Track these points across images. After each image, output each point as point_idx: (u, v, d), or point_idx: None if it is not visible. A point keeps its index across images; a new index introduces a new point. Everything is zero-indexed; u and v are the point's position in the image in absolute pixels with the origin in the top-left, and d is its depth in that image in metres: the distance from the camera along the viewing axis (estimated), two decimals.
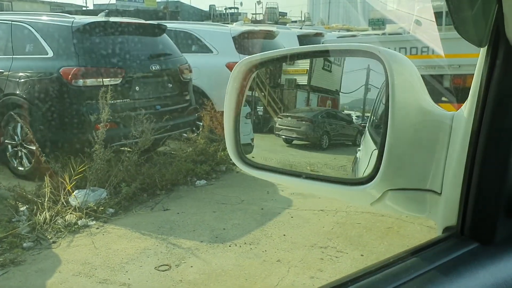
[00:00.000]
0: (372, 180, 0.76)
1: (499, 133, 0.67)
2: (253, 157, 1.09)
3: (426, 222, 4.35)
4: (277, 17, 53.29)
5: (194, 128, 7.37)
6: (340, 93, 1.04)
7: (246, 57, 1.04)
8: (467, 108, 0.72)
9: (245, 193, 5.57)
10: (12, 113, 5.86)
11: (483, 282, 0.62)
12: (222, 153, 6.70)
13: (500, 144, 0.67)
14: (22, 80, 5.93)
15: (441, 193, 0.76)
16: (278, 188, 5.65)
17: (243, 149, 1.07)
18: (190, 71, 7.03)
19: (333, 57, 1.00)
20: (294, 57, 1.09)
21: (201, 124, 7.28)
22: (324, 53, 1.02)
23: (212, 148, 6.76)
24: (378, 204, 0.80)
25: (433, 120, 0.77)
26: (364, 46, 0.86)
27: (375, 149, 0.90)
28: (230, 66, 7.80)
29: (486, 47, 0.68)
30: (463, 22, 0.68)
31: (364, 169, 0.92)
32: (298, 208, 5.02)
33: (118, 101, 5.60)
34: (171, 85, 6.66)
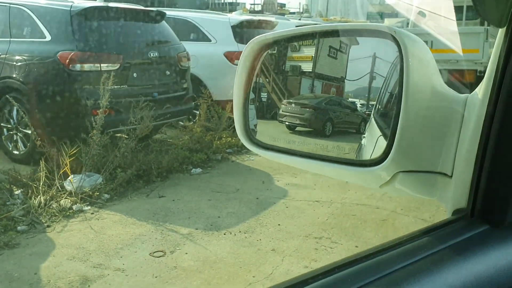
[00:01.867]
0: (382, 162, 0.75)
1: None
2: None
3: (421, 215, 4.37)
4: (276, 8, 53.06)
5: (190, 117, 7.36)
6: (345, 81, 1.04)
7: (258, 36, 1.03)
8: (482, 90, 0.72)
9: (241, 182, 5.58)
10: (8, 96, 5.83)
11: (496, 262, 0.63)
12: (218, 142, 6.71)
13: None
14: (19, 63, 5.89)
15: (452, 176, 0.76)
16: (274, 178, 5.66)
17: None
18: (188, 59, 7.00)
19: (346, 36, 0.99)
20: (306, 36, 1.07)
21: (198, 112, 7.27)
22: (337, 33, 1.01)
23: (208, 137, 6.76)
24: (387, 186, 0.80)
25: (446, 102, 0.77)
26: (379, 26, 0.86)
27: (380, 135, 0.89)
28: (228, 55, 7.77)
29: (506, 27, 0.68)
30: (484, 1, 0.68)
31: (370, 155, 0.92)
32: (293, 198, 5.03)
33: (115, 87, 5.57)
34: (169, 73, 6.64)
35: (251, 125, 1.12)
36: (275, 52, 1.17)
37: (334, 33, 1.02)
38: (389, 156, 0.74)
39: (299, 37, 1.08)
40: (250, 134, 1.04)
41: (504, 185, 0.69)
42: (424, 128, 0.76)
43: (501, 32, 0.69)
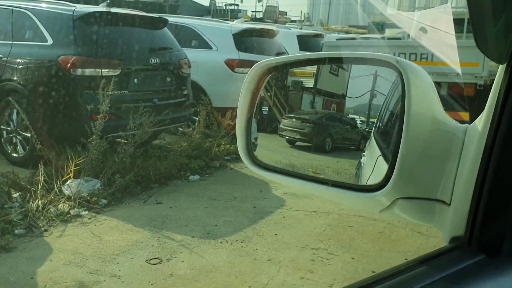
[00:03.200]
0: (382, 188, 0.77)
1: None
2: (255, 155, 1.10)
3: (418, 228, 4.38)
4: (277, 16, 53.26)
5: (190, 123, 7.37)
6: (345, 97, 1.06)
7: (262, 60, 1.05)
8: (482, 122, 0.74)
9: (238, 190, 5.59)
10: (9, 99, 5.84)
11: None
12: (217, 149, 6.72)
13: None
14: (20, 66, 5.90)
15: (450, 204, 0.77)
16: (271, 187, 5.66)
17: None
18: (189, 66, 7.02)
19: (348, 64, 1.02)
20: (308, 62, 1.10)
21: (197, 119, 7.29)
22: (339, 60, 1.04)
23: (207, 144, 6.77)
24: (387, 212, 0.81)
25: (446, 132, 0.78)
26: (381, 56, 0.87)
27: (380, 155, 0.91)
28: (229, 63, 7.81)
29: (506, 64, 0.70)
30: (485, 38, 0.69)
31: (369, 175, 0.93)
32: (290, 208, 5.03)
33: (116, 92, 5.58)
34: (169, 79, 6.66)
35: (252, 139, 1.14)
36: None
37: (337, 60, 1.04)
38: (389, 183, 0.76)
39: (303, 63, 1.10)
40: (252, 155, 1.05)
41: (501, 215, 0.71)
42: (424, 157, 0.77)
43: (501, 68, 0.71)
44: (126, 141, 5.58)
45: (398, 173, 0.75)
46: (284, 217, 4.80)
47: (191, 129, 7.27)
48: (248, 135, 1.05)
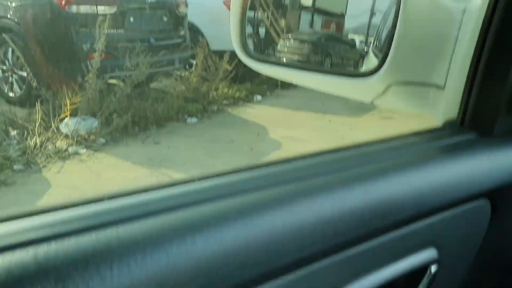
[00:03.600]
0: (376, 72, 0.77)
1: (510, 28, 0.68)
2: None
3: None
4: None
5: (187, 66, 7.28)
6: (344, 17, 1.04)
7: None
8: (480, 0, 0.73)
9: (236, 133, 5.60)
10: (3, 36, 5.74)
11: (480, 166, 0.66)
12: (215, 93, 6.68)
13: (509, 39, 0.68)
14: (14, 3, 5.77)
15: (444, 87, 0.77)
16: (269, 131, 5.69)
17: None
18: (186, 5, 6.86)
19: None
20: None
21: (195, 62, 7.19)
22: None
23: (204, 88, 6.72)
24: (381, 98, 0.81)
25: (443, 12, 0.76)
26: None
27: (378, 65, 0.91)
28: (227, 4, 7.62)
29: None
30: None
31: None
32: (287, 150, 5.07)
33: (112, 31, 5.48)
34: (166, 19, 6.52)
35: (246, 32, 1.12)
36: None
37: None
38: (383, 67, 0.75)
39: None
40: (246, 46, 1.04)
41: (494, 96, 0.71)
42: (420, 40, 0.76)
43: None
44: (123, 81, 5.53)
45: (393, 56, 0.74)
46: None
47: (188, 72, 7.19)
48: (243, 26, 1.03)
